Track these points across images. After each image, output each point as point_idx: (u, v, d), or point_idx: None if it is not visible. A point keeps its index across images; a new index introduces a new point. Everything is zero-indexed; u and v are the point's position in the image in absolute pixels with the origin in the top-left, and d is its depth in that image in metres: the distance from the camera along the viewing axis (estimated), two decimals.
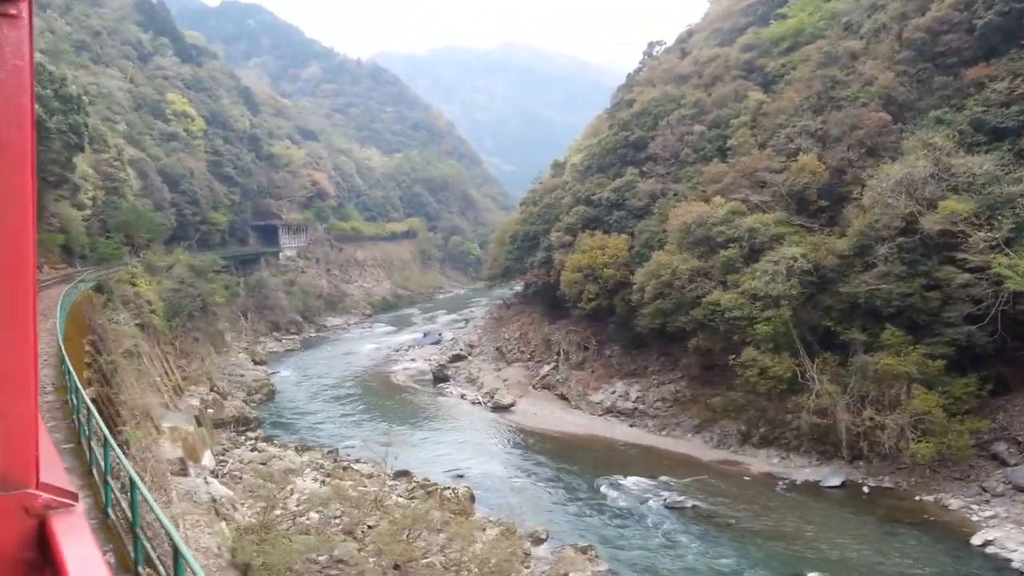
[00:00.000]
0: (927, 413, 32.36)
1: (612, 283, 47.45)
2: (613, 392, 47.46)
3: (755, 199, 40.65)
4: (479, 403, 51.93)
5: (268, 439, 42.54)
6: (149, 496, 7.69)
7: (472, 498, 29.87)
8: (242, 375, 55.57)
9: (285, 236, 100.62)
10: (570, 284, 49.58)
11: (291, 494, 28.49)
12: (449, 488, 29.47)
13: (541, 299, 62.38)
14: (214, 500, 22.66)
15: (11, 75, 1.34)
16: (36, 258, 1.51)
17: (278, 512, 24.10)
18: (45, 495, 1.62)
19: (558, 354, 56.60)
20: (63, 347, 16.19)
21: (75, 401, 11.69)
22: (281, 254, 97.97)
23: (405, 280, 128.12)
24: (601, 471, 36.98)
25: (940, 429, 31.52)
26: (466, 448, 42.16)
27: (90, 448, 10.52)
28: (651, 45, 69.31)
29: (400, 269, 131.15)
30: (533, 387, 54.37)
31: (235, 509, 23.69)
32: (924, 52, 40.01)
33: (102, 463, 9.20)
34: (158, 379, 33.74)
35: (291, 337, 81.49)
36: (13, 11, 1.34)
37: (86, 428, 10.95)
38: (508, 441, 43.22)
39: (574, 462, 38.88)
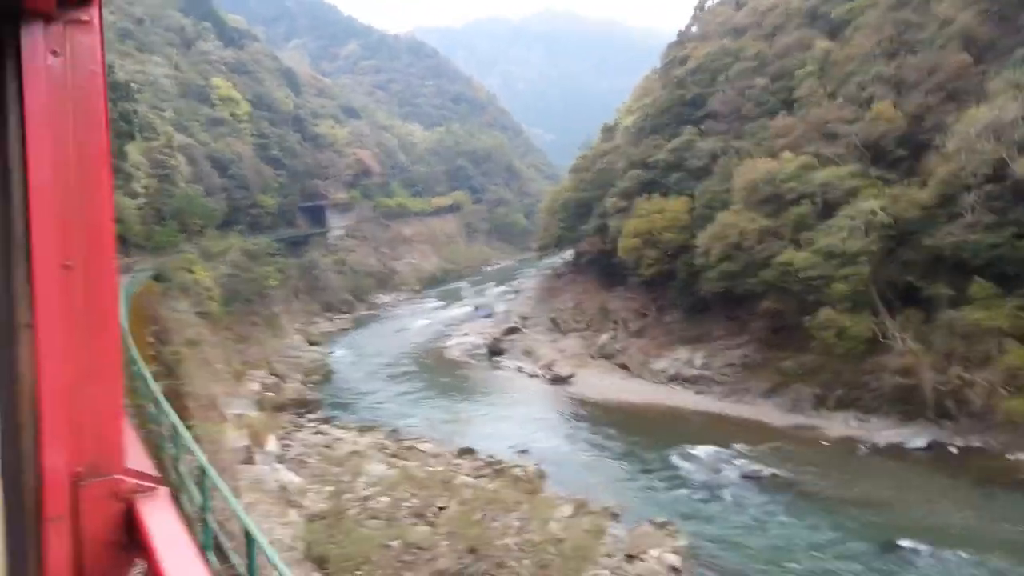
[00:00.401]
0: (1021, 369, 30.29)
1: (673, 247, 45.66)
2: (676, 359, 45.83)
3: (827, 152, 38.38)
4: (536, 375, 50.77)
5: (328, 420, 42.01)
6: (221, 483, 7.39)
7: (542, 475, 28.73)
8: (299, 357, 55.23)
9: (333, 216, 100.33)
10: (628, 250, 47.93)
11: (358, 478, 27.71)
12: (518, 466, 28.36)
13: (595, 267, 60.79)
14: (283, 487, 21.93)
15: (87, 79, 1.37)
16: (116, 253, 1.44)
17: (347, 497, 23.29)
18: (131, 480, 1.64)
19: (615, 323, 55.08)
20: (129, 340, 15.43)
21: (146, 394, 11.35)
22: (330, 234, 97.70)
23: (452, 254, 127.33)
24: (671, 442, 35.56)
25: None
26: (528, 423, 41.09)
27: (159, 444, 10.20)
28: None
29: (446, 244, 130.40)
30: (591, 357, 52.98)
31: (304, 496, 22.93)
32: None
33: (173, 454, 8.99)
34: (219, 366, 33.25)
35: (343, 316, 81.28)
36: (86, 17, 1.35)
37: (157, 424, 10.52)
38: (570, 413, 41.99)
39: (641, 433, 37.51)
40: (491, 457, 33.38)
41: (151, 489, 1.71)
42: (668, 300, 50.17)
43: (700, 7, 66.20)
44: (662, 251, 45.99)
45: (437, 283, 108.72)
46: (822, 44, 44.35)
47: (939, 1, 39.62)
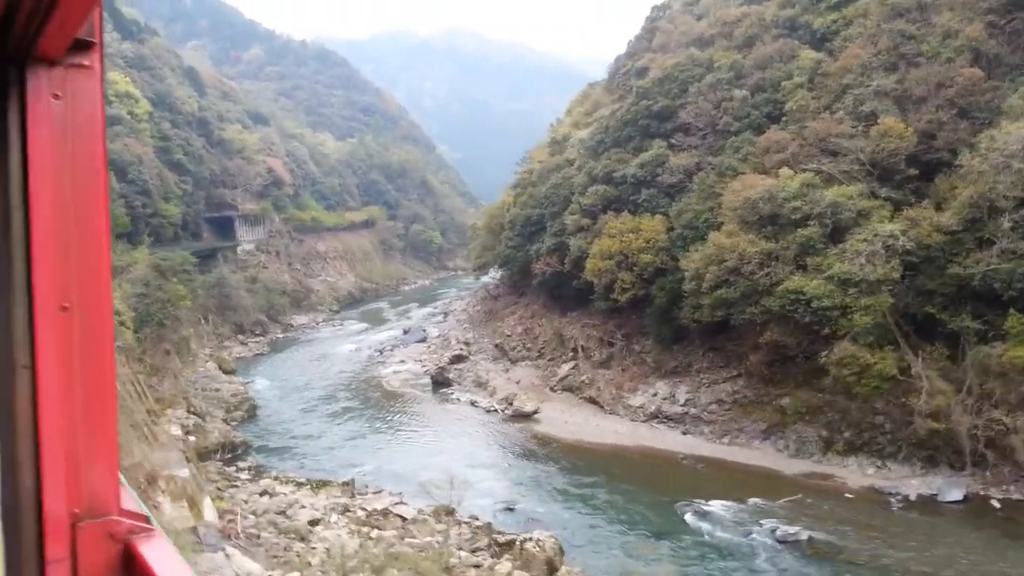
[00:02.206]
0: None
1: (650, 271, 41.59)
2: (655, 394, 41.69)
3: (829, 169, 35.15)
4: (495, 411, 45.64)
5: (264, 472, 35.72)
6: None
7: (560, 550, 23.59)
8: (217, 389, 48.11)
9: (242, 228, 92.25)
10: (598, 273, 43.59)
11: (328, 556, 21.93)
12: (530, 539, 23.17)
13: (545, 290, 56.28)
14: None
15: (88, 123, 1.41)
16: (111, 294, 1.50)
17: None
18: (128, 521, 1.67)
19: (575, 351, 50.62)
20: None
21: None
22: (239, 248, 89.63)
23: (368, 272, 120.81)
24: (674, 494, 31.21)
25: None
26: (501, 471, 35.97)
27: None
28: (655, 9, 63.50)
29: (362, 261, 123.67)
30: (551, 390, 48.30)
31: None
32: (1017, 0, 34.96)
33: None
34: (136, 411, 26.66)
35: (257, 339, 73.76)
36: (87, 62, 1.38)
37: None
38: (545, 458, 37.02)
39: (636, 483, 32.98)
40: (476, 519, 28.10)
41: (148, 530, 1.68)
42: (636, 328, 46.11)
43: (652, 18, 63.17)
44: (637, 275, 41.79)
45: (355, 303, 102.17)
46: (809, 55, 41.53)
47: (939, 12, 37.30)
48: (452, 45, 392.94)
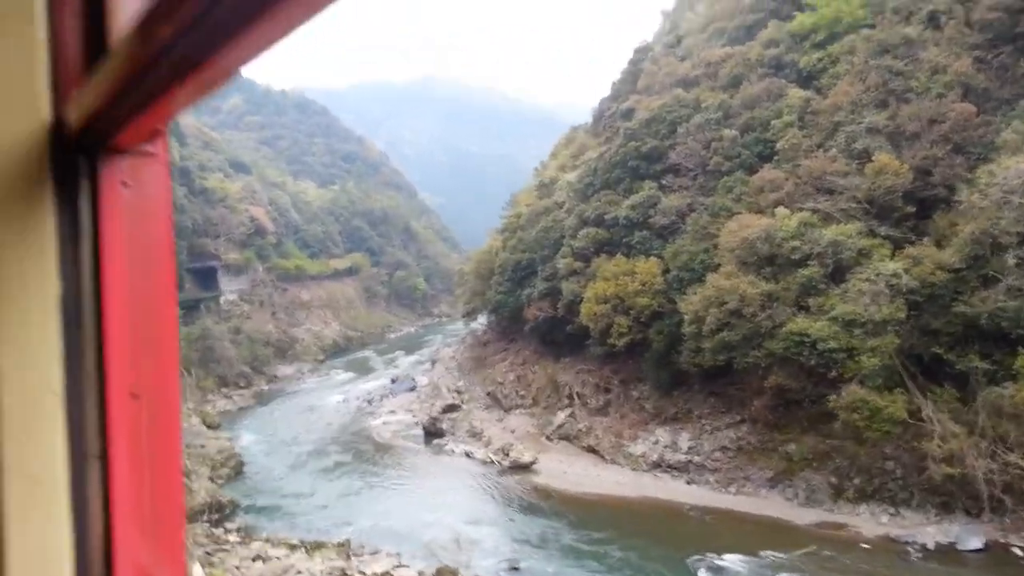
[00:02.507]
0: None
1: (647, 314, 40.80)
2: (656, 442, 40.57)
3: (825, 208, 34.73)
4: (491, 462, 44.27)
5: (253, 533, 34.17)
6: None
7: None
8: (202, 445, 46.36)
9: (225, 278, 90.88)
10: (594, 317, 42.72)
11: None
12: None
13: (537, 335, 55.30)
14: None
15: (155, 211, 1.43)
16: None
17: None
18: None
19: (570, 398, 49.51)
20: None
21: None
22: (222, 298, 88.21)
23: (353, 320, 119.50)
24: (684, 548, 30.00)
25: None
26: (500, 527, 34.59)
27: None
28: (637, 52, 63.77)
29: (347, 309, 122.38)
30: (548, 439, 47.05)
31: None
32: (1002, 35, 35.09)
33: None
34: None
35: (242, 392, 72.02)
36: (153, 150, 1.41)
37: None
38: (550, 512, 35.67)
39: (645, 537, 31.73)
40: None
41: None
42: (632, 373, 45.14)
43: (635, 61, 63.40)
44: (634, 318, 40.97)
45: (340, 352, 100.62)
46: (797, 93, 41.46)
47: (926, 48, 37.36)
48: (430, 93, 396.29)
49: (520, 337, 62.69)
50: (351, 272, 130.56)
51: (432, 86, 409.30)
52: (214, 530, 34.71)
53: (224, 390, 71.02)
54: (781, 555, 28.75)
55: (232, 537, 33.62)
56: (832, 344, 30.97)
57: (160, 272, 1.50)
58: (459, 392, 60.49)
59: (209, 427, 55.18)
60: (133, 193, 1.43)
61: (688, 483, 37.34)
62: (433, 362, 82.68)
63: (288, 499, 39.30)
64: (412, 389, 67.25)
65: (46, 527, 1.42)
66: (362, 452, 48.17)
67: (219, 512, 37.45)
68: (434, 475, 42.67)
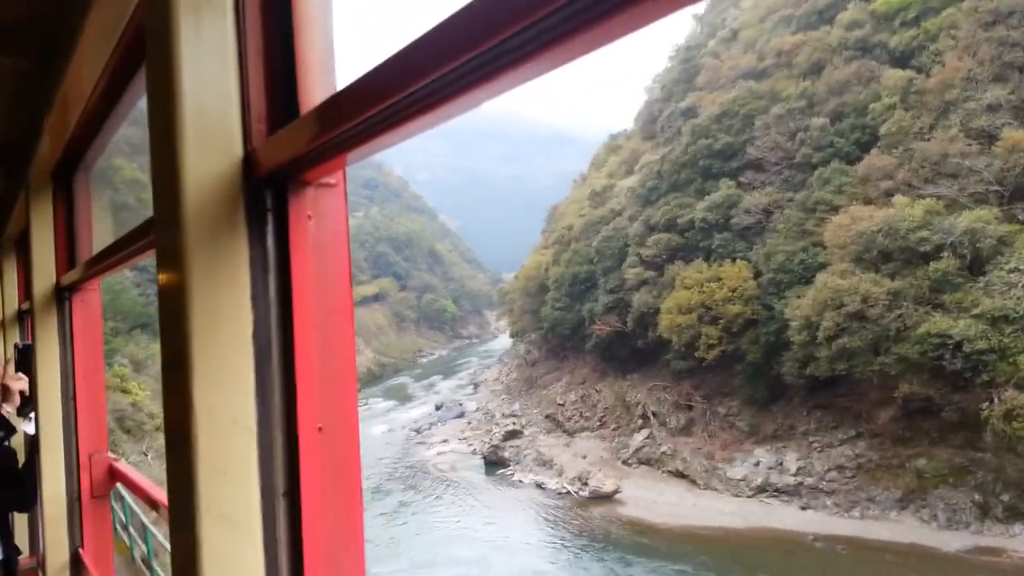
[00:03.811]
0: None
1: (739, 323, 36.94)
2: (757, 463, 36.49)
3: (952, 194, 30.87)
4: (567, 492, 40.32)
5: None
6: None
7: None
8: None
9: None
10: (677, 329, 38.89)
11: None
12: None
13: (597, 352, 51.46)
14: None
15: (335, 241, 1.46)
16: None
17: None
18: None
19: (644, 418, 45.52)
20: None
21: None
22: None
23: (385, 347, 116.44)
24: None
25: None
26: (591, 571, 30.57)
27: None
28: (687, 50, 60.38)
29: (377, 335, 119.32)
30: (625, 464, 43.03)
31: None
32: None
33: None
34: None
35: None
36: (333, 181, 1.44)
37: None
38: (653, 552, 31.59)
39: (767, 574, 27.67)
40: None
41: None
42: (717, 388, 41.17)
43: (685, 59, 59.99)
44: (724, 328, 37.11)
45: (375, 379, 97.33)
46: (895, 74, 37.72)
47: None
48: None
49: (574, 355, 58.88)
50: (379, 298, 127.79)
51: None
52: None
53: None
54: None
55: None
56: (981, 344, 26.98)
57: (342, 303, 1.50)
58: (514, 417, 56.55)
59: None
60: (316, 226, 1.43)
61: (803, 508, 33.20)
62: (475, 385, 79.08)
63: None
64: (461, 415, 63.47)
65: (241, 564, 1.40)
66: (423, 489, 44.27)
67: None
68: (507, 510, 38.73)
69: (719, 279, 38.22)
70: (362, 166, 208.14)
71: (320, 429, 1.46)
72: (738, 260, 38.85)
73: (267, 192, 1.42)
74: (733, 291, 37.23)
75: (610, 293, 48.27)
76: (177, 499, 1.43)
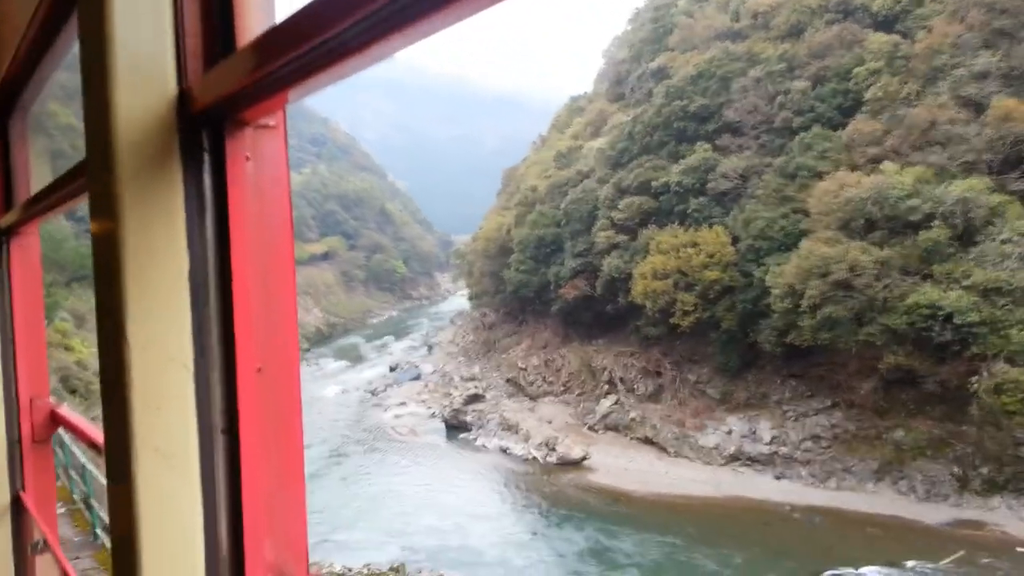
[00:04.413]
0: None
1: (716, 290, 36.12)
2: (729, 432, 36.00)
3: (940, 162, 30.27)
4: (533, 458, 39.36)
5: None
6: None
7: None
8: None
9: None
10: (652, 295, 37.89)
11: None
12: None
13: (561, 316, 50.42)
14: None
15: (275, 184, 1.43)
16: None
17: None
18: None
19: (610, 383, 44.71)
20: None
21: None
22: None
23: (334, 306, 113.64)
24: (808, 559, 25.46)
25: None
26: (569, 539, 29.66)
27: None
28: (656, 9, 58.64)
29: (326, 294, 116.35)
30: (591, 430, 42.26)
31: None
32: None
33: None
34: None
35: None
36: (273, 123, 1.40)
37: None
38: (623, 519, 30.83)
39: (753, 546, 27.15)
40: None
41: None
42: (686, 354, 40.52)
43: (655, 19, 58.29)
44: (700, 294, 36.26)
45: (324, 339, 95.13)
46: (879, 38, 36.93)
47: None
48: (389, 76, 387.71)
49: (534, 318, 57.81)
50: (327, 257, 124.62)
51: (391, 69, 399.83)
52: None
53: None
54: (928, 565, 24.37)
55: None
56: (972, 317, 26.57)
57: (282, 245, 1.48)
58: (474, 380, 55.31)
59: None
60: (255, 166, 1.40)
61: (777, 478, 32.83)
62: (429, 347, 77.58)
63: (315, 514, 33.85)
64: (417, 378, 62.00)
65: (178, 501, 1.40)
66: (383, 452, 42.82)
67: None
68: (474, 476, 37.60)
69: (695, 244, 37.26)
70: (309, 121, 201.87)
71: (259, 370, 1.41)
72: (715, 225, 37.91)
73: (204, 132, 1.36)
74: (711, 257, 36.36)
75: (578, 257, 47.05)
76: (113, 435, 1.43)
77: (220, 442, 1.42)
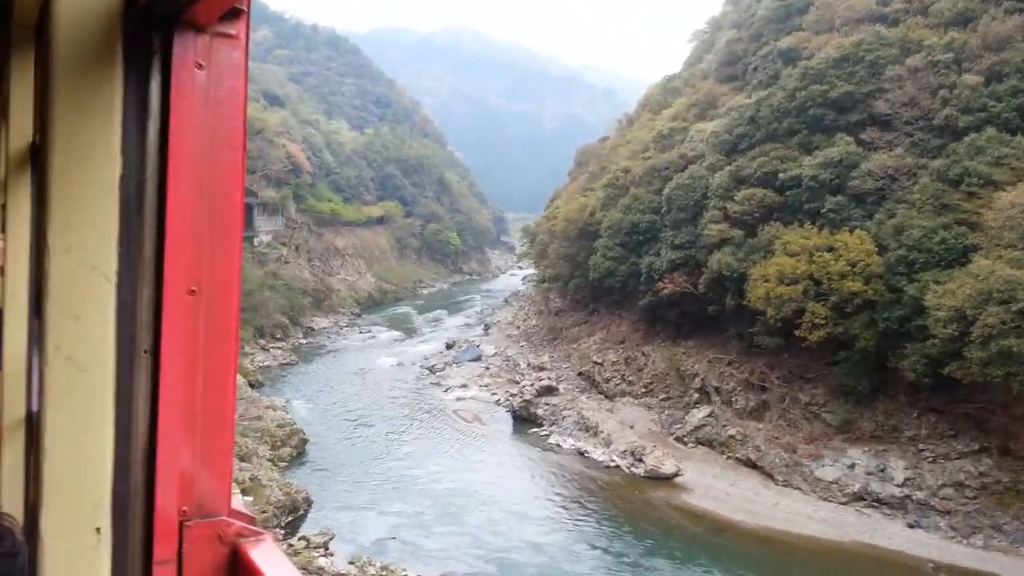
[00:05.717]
0: None
1: (855, 303, 31.65)
2: (851, 465, 31.63)
3: None
4: (616, 466, 35.47)
5: (326, 541, 25.55)
6: None
7: None
8: (258, 417, 37.37)
9: (260, 218, 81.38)
10: (775, 301, 33.49)
11: None
12: None
13: (645, 311, 46.26)
14: None
15: (230, 96, 1.37)
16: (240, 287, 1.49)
17: None
18: (237, 523, 1.60)
19: (702, 392, 40.57)
20: None
21: None
22: (256, 239, 78.73)
23: (386, 272, 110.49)
24: None
25: None
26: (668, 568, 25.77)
27: None
28: None
29: (379, 260, 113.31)
30: (680, 441, 38.16)
31: None
32: None
33: None
34: None
35: (279, 345, 63.02)
36: (233, 31, 1.34)
37: None
38: (731, 556, 26.79)
39: None
40: None
41: (257, 533, 1.60)
42: (797, 371, 36.20)
43: None
44: (834, 306, 31.84)
45: (375, 305, 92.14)
46: None
47: None
48: (451, 43, 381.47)
49: (607, 309, 53.76)
50: (383, 221, 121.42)
51: (453, 36, 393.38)
52: (289, 542, 25.94)
53: (261, 342, 61.98)
54: None
55: (321, 558, 24.81)
56: None
57: (230, 163, 1.40)
58: (544, 369, 51.44)
59: (252, 386, 46.42)
60: (208, 77, 1.34)
61: (910, 526, 28.44)
62: (486, 327, 74.05)
63: (375, 497, 30.36)
64: (478, 359, 58.39)
65: (87, 415, 1.34)
66: (449, 438, 39.28)
67: (292, 513, 28.68)
68: (556, 480, 33.87)
69: (832, 249, 32.76)
70: (375, 82, 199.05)
71: (193, 291, 1.34)
72: (856, 230, 33.35)
73: (153, 34, 1.30)
74: (852, 265, 31.81)
75: (678, 248, 42.78)
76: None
77: (143, 362, 1.31)
